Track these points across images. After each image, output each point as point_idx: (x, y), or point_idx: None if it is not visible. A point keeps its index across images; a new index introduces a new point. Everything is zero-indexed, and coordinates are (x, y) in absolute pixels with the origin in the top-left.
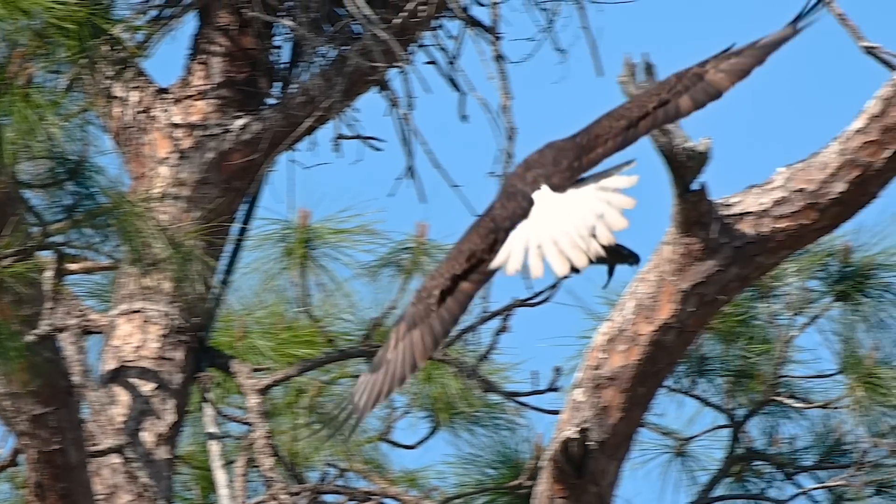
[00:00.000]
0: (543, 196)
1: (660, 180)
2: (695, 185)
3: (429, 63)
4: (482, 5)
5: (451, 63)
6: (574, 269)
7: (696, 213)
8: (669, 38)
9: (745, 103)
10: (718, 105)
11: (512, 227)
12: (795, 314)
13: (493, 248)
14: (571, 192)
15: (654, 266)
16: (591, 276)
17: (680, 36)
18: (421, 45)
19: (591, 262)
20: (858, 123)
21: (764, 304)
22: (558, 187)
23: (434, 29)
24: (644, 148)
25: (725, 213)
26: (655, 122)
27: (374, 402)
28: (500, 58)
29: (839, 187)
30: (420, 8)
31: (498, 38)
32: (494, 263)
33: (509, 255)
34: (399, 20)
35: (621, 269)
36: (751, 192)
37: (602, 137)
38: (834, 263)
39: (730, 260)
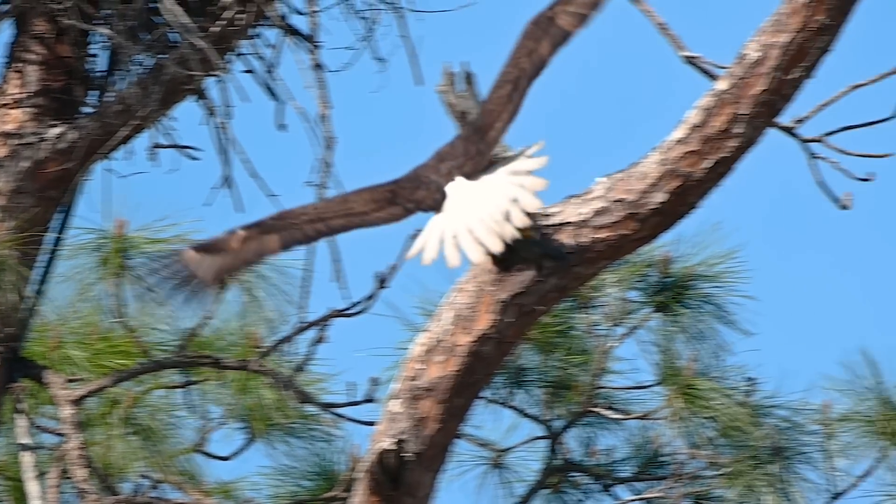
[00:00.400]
0: (456, 187)
1: None
2: None
3: (247, 72)
4: (301, 14)
5: (270, 72)
6: (491, 255)
7: None
8: (489, 47)
9: (561, 112)
10: (534, 116)
11: (416, 210)
12: (614, 325)
13: (379, 212)
14: (483, 179)
15: (473, 276)
16: (407, 286)
17: (501, 45)
18: (239, 54)
19: (523, 253)
20: (679, 133)
21: (583, 314)
22: (471, 175)
23: (252, 37)
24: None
25: (545, 223)
26: (529, 77)
27: (217, 275)
28: (318, 67)
29: (659, 197)
30: (238, 16)
31: (317, 47)
32: (409, 254)
33: (424, 245)
34: (217, 29)
35: (450, 277)
36: (570, 202)
37: (495, 112)
38: (653, 274)
39: (549, 270)
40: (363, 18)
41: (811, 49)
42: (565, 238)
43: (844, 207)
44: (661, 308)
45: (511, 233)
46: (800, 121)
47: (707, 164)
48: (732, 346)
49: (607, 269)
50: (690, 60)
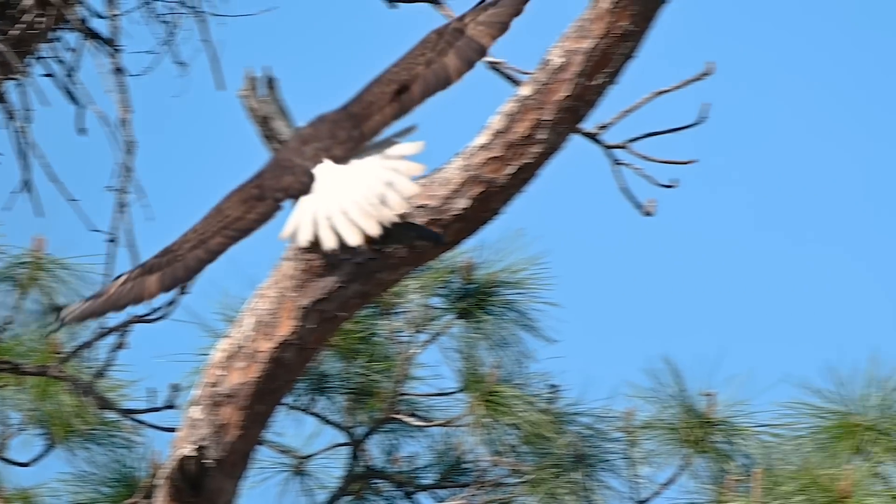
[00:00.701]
0: (326, 169)
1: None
2: None
3: (46, 76)
4: (101, 17)
5: (70, 76)
6: (367, 238)
7: None
8: (292, 53)
9: None
10: None
11: (285, 198)
12: (417, 331)
13: (251, 213)
14: (355, 163)
15: (274, 282)
16: (208, 292)
17: (303, 50)
18: (39, 58)
19: (396, 236)
20: (482, 139)
21: (385, 321)
22: (341, 159)
23: (52, 41)
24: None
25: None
26: (427, 85)
27: (82, 317)
28: (119, 71)
29: (462, 203)
30: (37, 20)
31: (117, 51)
32: (282, 235)
33: (297, 227)
34: (16, 32)
35: (251, 283)
36: None
37: (376, 105)
38: (456, 280)
39: (350, 276)
40: (164, 22)
41: (615, 55)
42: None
43: (648, 214)
44: (463, 314)
45: (389, 216)
46: (603, 127)
47: (510, 170)
48: (535, 353)
49: (410, 275)
50: (493, 66)
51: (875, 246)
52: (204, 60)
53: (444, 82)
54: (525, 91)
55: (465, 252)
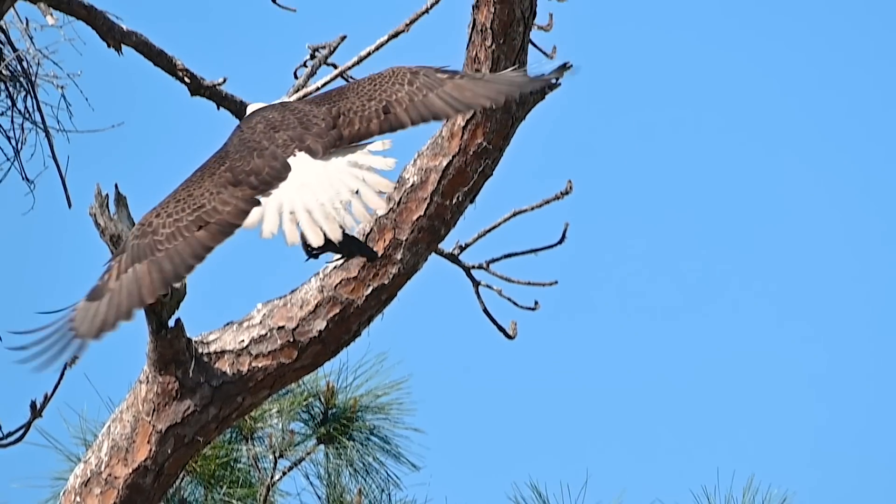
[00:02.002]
0: (300, 163)
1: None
2: (171, 322)
3: None
4: None
5: None
6: (328, 241)
7: (171, 351)
8: (141, 165)
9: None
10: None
11: (260, 184)
12: (279, 457)
13: (227, 205)
14: (328, 164)
15: (130, 405)
16: (65, 415)
17: (151, 165)
18: None
19: (330, 246)
20: (339, 260)
21: (247, 446)
22: (315, 153)
23: None
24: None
25: (203, 351)
26: (411, 114)
27: (99, 331)
28: None
29: (319, 325)
30: None
31: None
32: (247, 223)
33: (262, 218)
34: None
35: (108, 406)
36: (229, 328)
37: (358, 115)
38: (318, 404)
39: (208, 400)
40: (9, 138)
41: (472, 173)
42: (224, 366)
43: (510, 337)
44: (326, 440)
45: (350, 223)
46: (463, 247)
47: (368, 290)
48: (400, 480)
49: (270, 398)
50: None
51: (750, 366)
52: (51, 177)
53: (434, 116)
54: (380, 210)
55: (325, 375)
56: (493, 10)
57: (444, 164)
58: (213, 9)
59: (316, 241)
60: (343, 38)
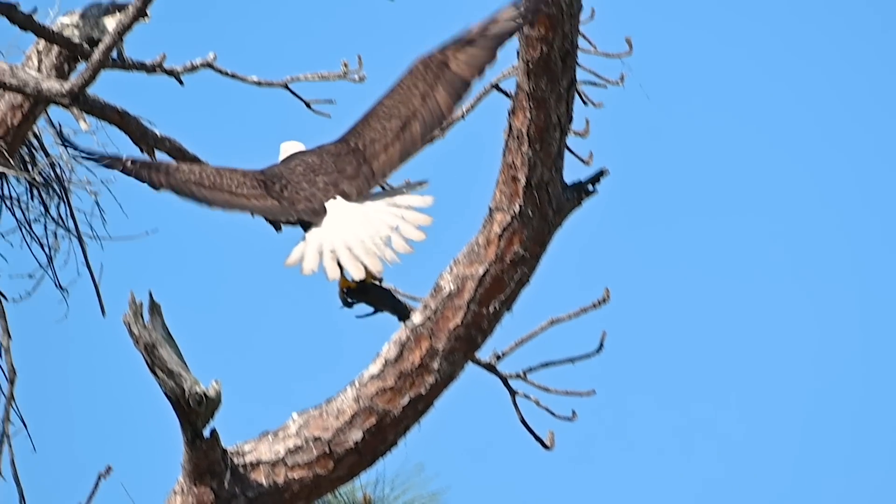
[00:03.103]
0: (339, 205)
1: (170, 425)
2: (206, 432)
3: None
4: None
5: None
6: (364, 291)
7: (207, 461)
8: (174, 275)
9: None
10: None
11: (289, 208)
12: None
13: (254, 199)
14: (367, 205)
15: None
16: None
17: (186, 275)
18: None
19: (365, 297)
20: (374, 368)
21: None
22: (350, 196)
23: None
24: (435, 168)
25: (238, 462)
26: (426, 125)
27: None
28: None
29: (356, 435)
30: None
31: None
32: (288, 262)
33: (303, 256)
34: None
35: None
36: (264, 439)
37: (380, 142)
38: None
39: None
40: (42, 245)
41: (508, 281)
42: (259, 477)
43: (548, 447)
44: None
45: (392, 257)
46: (500, 356)
47: (405, 400)
48: None
49: None
50: None
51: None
52: (85, 284)
53: (440, 119)
54: (417, 318)
55: (362, 486)
56: (529, 115)
57: (481, 272)
58: (245, 117)
59: (357, 274)
60: None
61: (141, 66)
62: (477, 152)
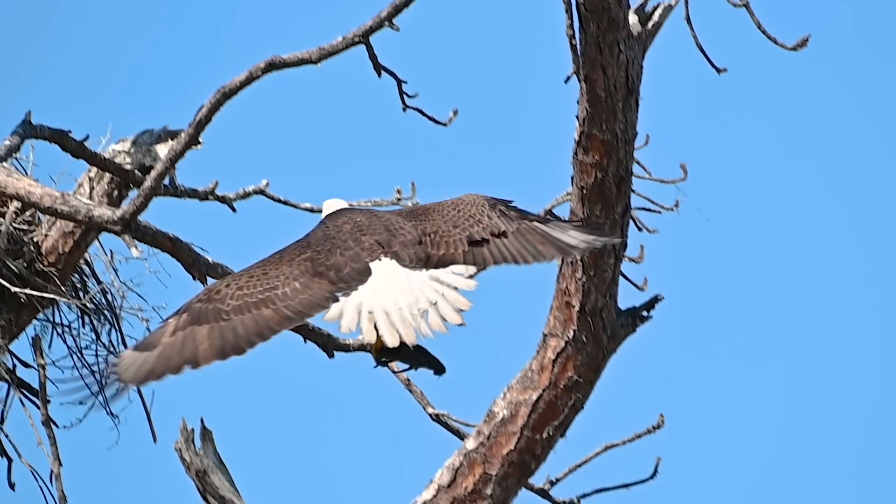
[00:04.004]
0: (383, 267)
1: None
2: None
3: None
4: (28, 367)
5: None
6: (398, 349)
7: None
8: (226, 401)
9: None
10: None
11: (339, 281)
12: None
13: (305, 293)
14: (411, 273)
15: None
16: None
17: (231, 397)
18: None
19: (400, 355)
20: (427, 494)
21: None
22: (402, 260)
23: None
24: None
25: None
26: (496, 257)
27: (143, 379)
28: (49, 422)
29: None
30: None
31: (47, 402)
32: (327, 317)
33: (342, 314)
34: None
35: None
36: None
37: (446, 241)
38: None
39: None
40: (94, 372)
41: (562, 407)
42: None
43: None
44: None
45: (426, 331)
46: (554, 482)
47: None
48: None
49: None
50: (438, 418)
51: None
52: (136, 411)
53: (505, 260)
54: (470, 444)
55: None
56: None
57: (534, 397)
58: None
59: (391, 342)
60: None
61: (193, 193)
62: (530, 278)
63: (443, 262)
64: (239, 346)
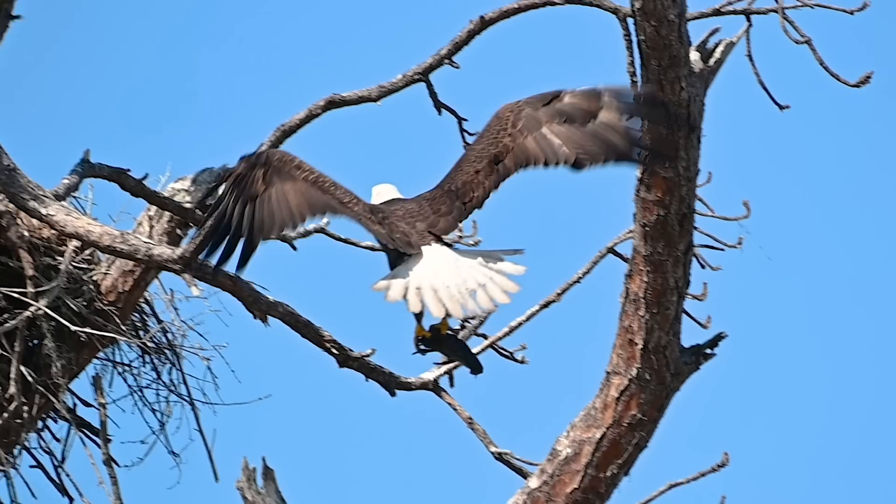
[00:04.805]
0: (434, 251)
1: None
2: None
3: (34, 467)
4: (89, 406)
5: (59, 467)
6: (440, 340)
7: None
8: (288, 439)
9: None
10: None
11: (388, 235)
12: None
13: (370, 223)
14: (461, 257)
15: None
16: None
17: (293, 436)
18: (25, 448)
19: (440, 346)
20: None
21: None
22: (446, 231)
23: (40, 431)
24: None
25: None
26: (515, 160)
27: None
28: (110, 461)
29: None
30: (23, 408)
31: (108, 441)
32: (376, 287)
33: (390, 287)
34: (0, 421)
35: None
36: None
37: (471, 183)
38: None
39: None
40: (155, 411)
41: (626, 445)
42: None
43: None
44: None
45: (473, 308)
46: None
47: None
48: None
49: None
50: (501, 456)
51: None
52: (198, 450)
53: (526, 161)
54: (533, 483)
55: None
56: (646, 279)
57: (598, 436)
58: (358, 281)
59: (437, 313)
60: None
61: None
62: (592, 316)
63: (478, 203)
64: (276, 224)
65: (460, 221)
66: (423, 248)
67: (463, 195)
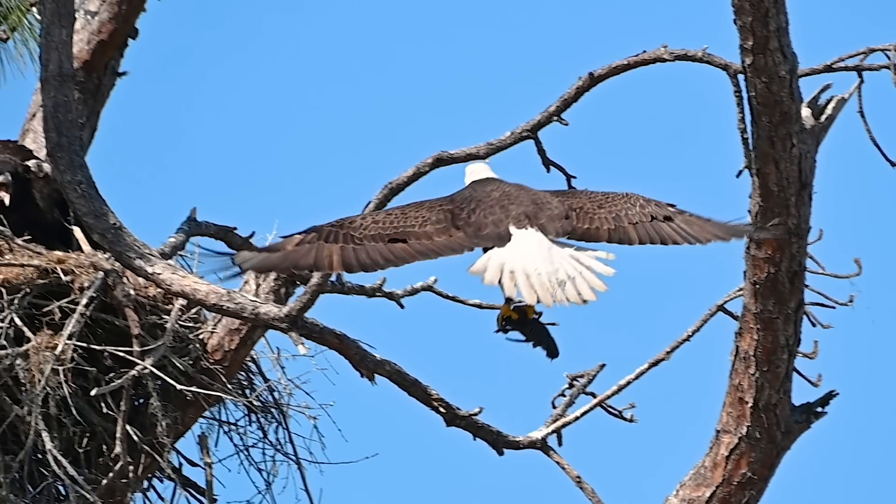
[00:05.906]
0: (527, 236)
1: None
2: None
3: None
4: (195, 465)
5: None
6: (523, 322)
7: None
8: (396, 499)
9: None
10: None
11: (475, 236)
12: None
13: (440, 236)
14: (553, 247)
15: None
16: None
17: (400, 494)
18: None
19: (522, 327)
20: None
21: None
22: (547, 232)
23: (145, 490)
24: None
25: None
26: (639, 236)
27: (264, 270)
28: None
29: None
30: (129, 467)
31: (214, 501)
32: (472, 270)
33: (486, 268)
34: (106, 481)
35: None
36: None
37: (590, 216)
38: None
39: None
40: (261, 470)
41: None
42: None
43: None
44: None
45: (561, 299)
46: None
47: None
48: None
49: None
50: None
51: None
52: None
53: (654, 240)
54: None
55: None
56: (756, 337)
57: (708, 494)
58: (466, 339)
59: (529, 299)
60: (602, 366)
61: (360, 290)
62: (702, 374)
63: (586, 237)
64: (366, 265)
65: (560, 235)
66: (518, 231)
67: (577, 218)
